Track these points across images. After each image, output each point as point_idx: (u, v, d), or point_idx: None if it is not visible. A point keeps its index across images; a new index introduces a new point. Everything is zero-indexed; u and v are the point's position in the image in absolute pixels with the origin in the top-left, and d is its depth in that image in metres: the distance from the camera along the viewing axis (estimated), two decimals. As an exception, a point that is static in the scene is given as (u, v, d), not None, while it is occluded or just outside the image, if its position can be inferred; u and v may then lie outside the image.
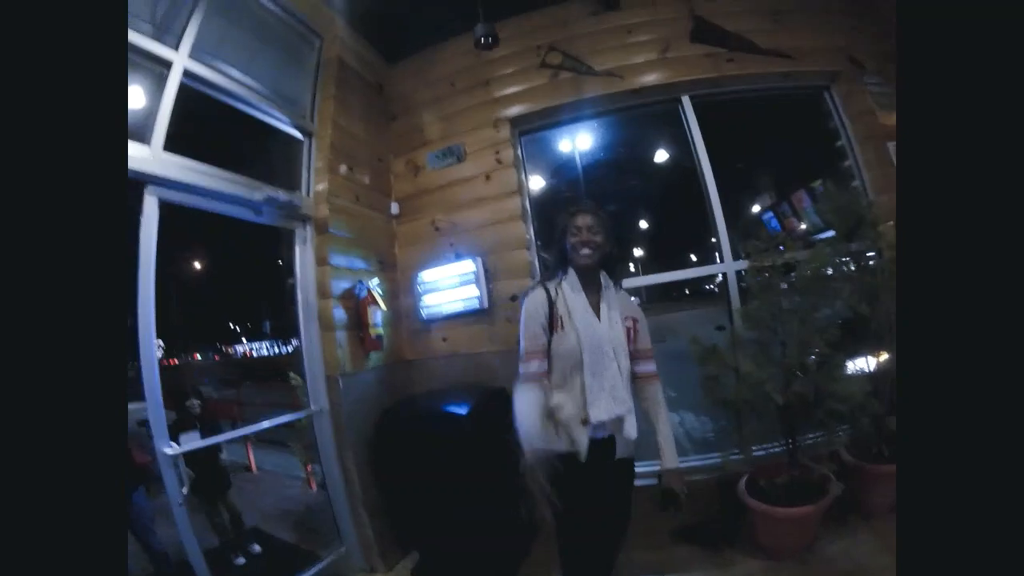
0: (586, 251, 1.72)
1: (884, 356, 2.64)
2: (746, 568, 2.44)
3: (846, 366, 2.60)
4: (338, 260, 3.00)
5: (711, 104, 3.43)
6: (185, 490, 2.15)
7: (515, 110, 3.48)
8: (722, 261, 3.21)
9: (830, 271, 2.67)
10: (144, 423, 2.19)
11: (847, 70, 3.25)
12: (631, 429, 1.66)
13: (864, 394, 2.37)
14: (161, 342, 2.26)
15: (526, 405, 1.58)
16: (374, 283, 3.15)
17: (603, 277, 1.79)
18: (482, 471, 2.52)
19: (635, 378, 1.76)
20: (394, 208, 3.64)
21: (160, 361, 2.22)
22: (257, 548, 3.61)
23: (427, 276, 3.45)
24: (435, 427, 2.71)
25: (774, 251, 2.63)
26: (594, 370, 1.62)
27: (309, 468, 4.64)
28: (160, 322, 2.19)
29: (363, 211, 3.33)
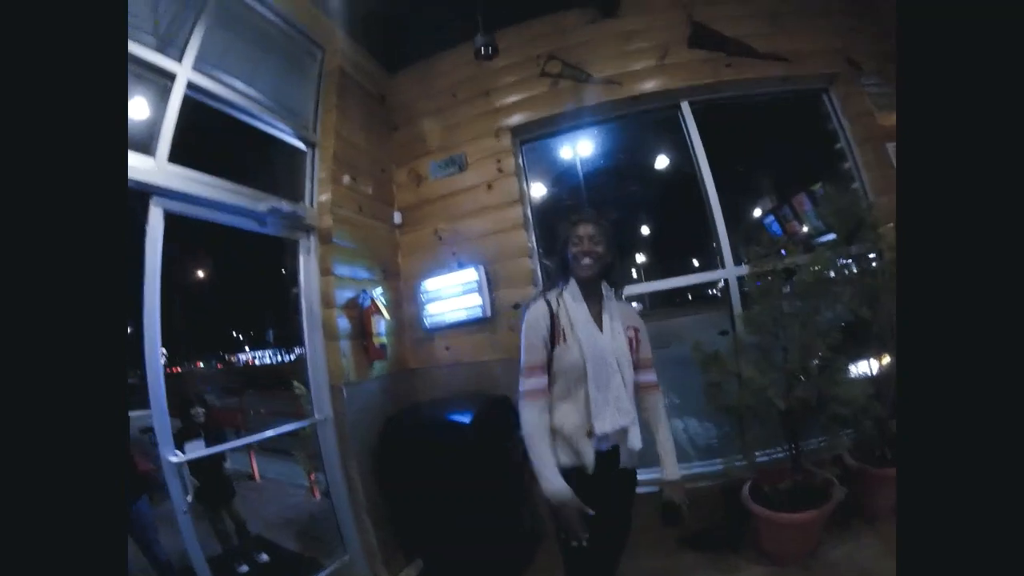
0: (587, 261, 1.70)
1: (886, 359, 2.64)
2: (750, 574, 2.44)
3: (848, 369, 2.59)
4: (342, 270, 3.02)
5: (710, 109, 3.45)
6: (189, 498, 2.16)
7: (516, 119, 3.51)
8: (723, 267, 3.22)
9: (832, 274, 2.67)
10: (147, 430, 2.20)
11: (845, 72, 3.26)
12: (635, 440, 1.65)
13: (866, 397, 2.37)
14: (164, 350, 2.28)
15: (540, 444, 1.56)
16: (377, 293, 3.17)
17: (604, 287, 1.78)
18: (485, 479, 2.53)
19: (636, 388, 1.74)
20: (397, 218, 3.66)
21: (163, 369, 2.23)
22: (265, 557, 3.62)
23: (430, 285, 3.47)
24: (439, 435, 2.72)
25: (774, 256, 2.64)
26: (598, 382, 1.60)
27: (312, 477, 4.65)
28: (163, 330, 2.20)
29: (366, 221, 3.35)
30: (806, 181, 3.83)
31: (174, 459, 2.13)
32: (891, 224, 2.87)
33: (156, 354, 2.16)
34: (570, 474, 1.56)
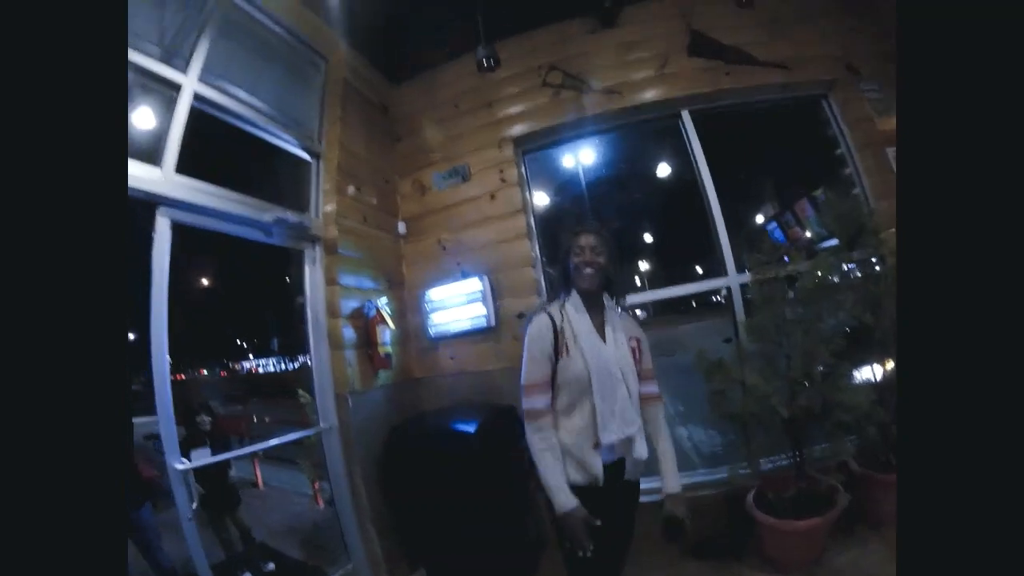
0: (589, 271, 1.69)
1: (890, 364, 2.63)
2: (756, 582, 2.43)
3: (852, 376, 2.59)
4: (347, 280, 3.05)
5: (711, 117, 3.48)
6: (195, 505, 2.16)
7: (518, 129, 3.55)
8: (726, 274, 3.24)
9: (836, 279, 2.68)
10: (151, 437, 2.20)
11: (843, 78, 3.29)
12: (641, 449, 1.65)
13: (870, 403, 2.37)
14: (168, 358, 2.30)
15: (551, 464, 1.56)
16: (382, 302, 3.19)
17: (605, 297, 1.78)
18: (490, 488, 2.54)
19: (639, 399, 1.73)
20: (401, 228, 3.69)
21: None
22: (271, 566, 3.62)
23: (434, 295, 3.49)
24: (443, 445, 2.73)
25: (776, 263, 2.65)
26: (603, 393, 1.59)
27: (317, 485, 4.65)
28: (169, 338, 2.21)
29: (371, 231, 3.38)
30: (808, 187, 3.84)
31: (180, 466, 2.14)
32: (892, 229, 2.88)
33: (163, 361, 2.17)
34: (578, 489, 1.55)
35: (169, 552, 2.83)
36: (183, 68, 2.45)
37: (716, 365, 2.69)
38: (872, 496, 2.54)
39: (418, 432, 2.97)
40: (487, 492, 2.52)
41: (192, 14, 2.56)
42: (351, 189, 3.25)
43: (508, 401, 2.97)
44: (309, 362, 3.03)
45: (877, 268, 2.75)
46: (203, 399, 5.65)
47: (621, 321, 1.78)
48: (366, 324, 3.09)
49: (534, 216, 3.58)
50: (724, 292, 3.29)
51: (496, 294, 3.37)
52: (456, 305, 3.41)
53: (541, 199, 3.89)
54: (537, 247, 3.50)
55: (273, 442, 2.95)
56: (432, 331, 3.48)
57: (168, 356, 2.21)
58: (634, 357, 1.72)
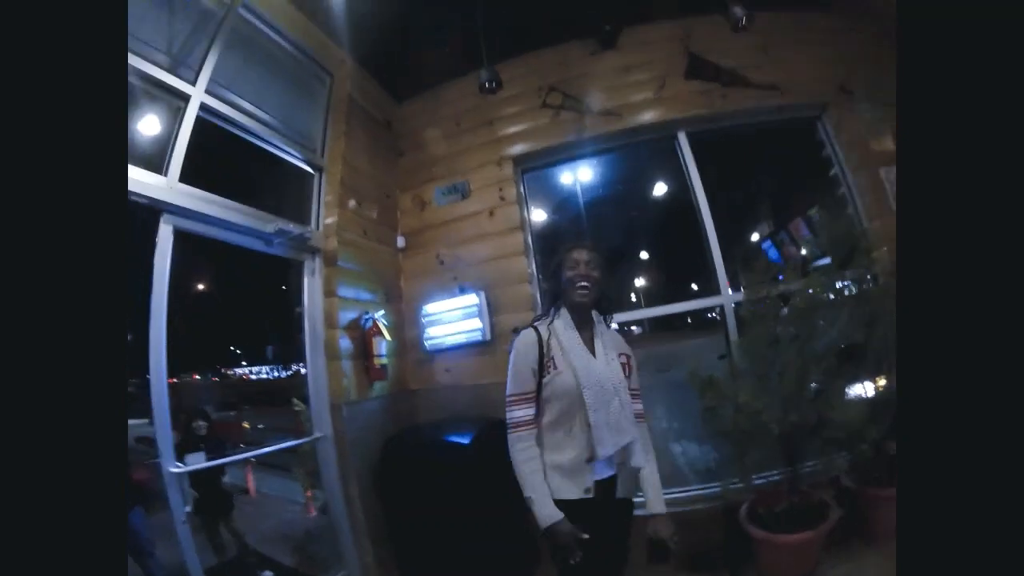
0: (583, 285, 1.68)
1: (882, 382, 2.66)
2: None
3: (844, 393, 2.62)
4: (345, 291, 3.08)
5: (707, 138, 3.54)
6: (188, 508, 2.16)
7: (518, 148, 3.61)
8: (719, 293, 3.28)
9: (832, 296, 2.71)
10: (143, 440, 2.20)
11: (837, 99, 3.35)
12: (638, 458, 1.64)
13: (862, 420, 2.39)
14: (166, 362, 2.31)
15: (531, 474, 1.56)
16: (380, 314, 3.23)
17: (594, 314, 1.77)
18: (483, 500, 2.56)
19: None
20: (400, 242, 3.74)
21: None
22: (269, 574, 3.61)
23: (431, 308, 3.53)
24: (438, 456, 2.76)
25: (769, 282, 2.69)
26: (596, 407, 1.57)
27: (309, 493, 4.64)
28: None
29: (370, 244, 3.43)
30: (803, 207, 3.90)
31: (175, 470, 2.14)
32: (885, 248, 2.94)
33: (161, 365, 2.19)
34: (568, 506, 1.53)
35: (161, 557, 2.83)
36: (191, 79, 2.50)
37: (708, 382, 2.71)
38: (865, 511, 2.56)
39: (413, 443, 2.99)
40: (481, 503, 2.55)
41: (201, 25, 2.62)
42: (352, 203, 3.30)
43: (503, 415, 2.97)
44: (302, 371, 3.05)
45: (869, 286, 2.78)
46: (199, 404, 5.64)
47: (611, 338, 1.77)
48: (363, 335, 3.12)
49: (532, 234, 3.64)
50: (717, 310, 3.33)
51: (492, 309, 3.41)
52: (452, 319, 3.45)
53: (539, 217, 3.95)
54: (534, 264, 3.55)
55: (268, 449, 2.97)
56: (428, 344, 3.51)
57: (166, 360, 2.22)
58: (624, 373, 1.71)
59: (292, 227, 2.85)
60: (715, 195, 3.43)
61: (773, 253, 4.27)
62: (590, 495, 1.58)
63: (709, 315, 3.72)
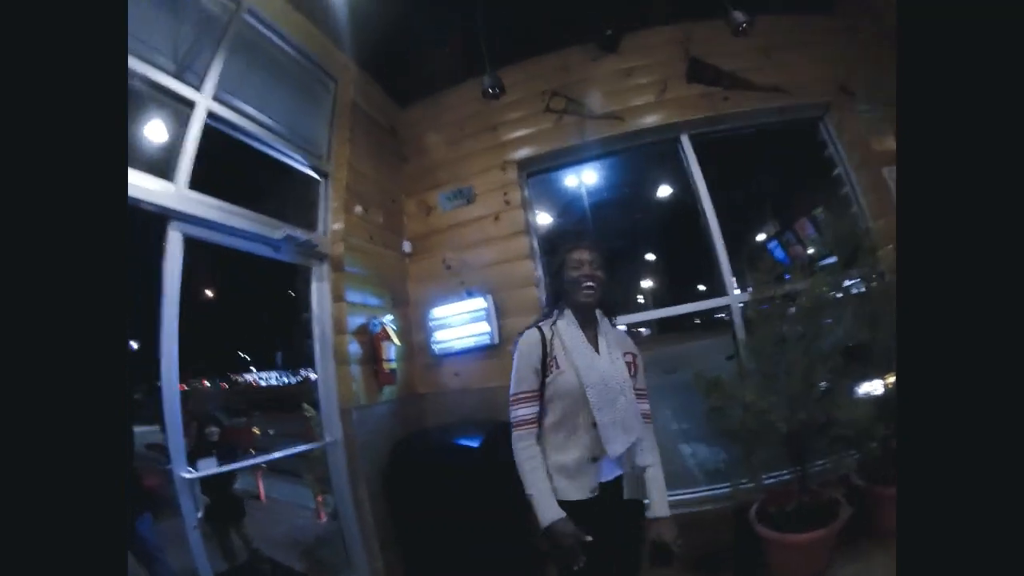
0: (589, 285, 1.66)
1: (890, 379, 2.64)
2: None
3: (852, 392, 2.61)
4: (353, 297, 3.10)
5: (710, 140, 3.55)
6: (200, 514, 2.16)
7: (522, 153, 3.64)
8: (726, 293, 3.28)
9: (839, 295, 2.71)
10: (154, 447, 2.19)
11: (838, 100, 3.36)
12: (644, 457, 1.63)
13: (869, 418, 2.38)
14: (177, 368, 2.33)
15: (533, 472, 1.55)
16: (388, 319, 3.25)
17: (598, 314, 1.75)
18: (492, 503, 2.57)
19: None
20: (407, 247, 3.76)
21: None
22: None
23: (438, 312, 3.55)
24: (446, 459, 2.77)
25: (775, 282, 2.69)
26: (601, 405, 1.56)
27: (320, 498, 4.67)
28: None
29: (377, 250, 3.45)
30: (808, 206, 3.90)
31: (186, 475, 2.15)
32: (890, 246, 2.94)
33: (172, 372, 2.20)
34: (572, 507, 1.51)
35: (171, 563, 2.85)
36: (197, 85, 2.52)
37: (714, 383, 2.72)
38: (875, 509, 2.54)
39: (422, 447, 3.01)
40: (490, 507, 2.55)
41: (206, 31, 2.65)
42: (358, 208, 3.33)
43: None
44: (311, 376, 3.07)
45: (874, 285, 2.78)
46: (209, 411, 5.69)
47: (616, 337, 1.76)
48: (371, 340, 3.14)
49: (537, 237, 3.66)
50: (725, 311, 3.32)
51: (500, 313, 3.42)
52: (459, 323, 3.47)
53: (544, 220, 3.98)
54: (540, 267, 3.56)
55: (279, 454, 2.99)
56: (436, 348, 3.53)
57: (177, 367, 2.24)
58: (630, 372, 1.69)
59: (300, 233, 2.88)
60: (719, 196, 3.43)
61: (779, 253, 4.27)
62: (595, 494, 1.56)
63: (716, 316, 3.71)
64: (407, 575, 2.95)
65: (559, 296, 1.76)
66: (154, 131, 2.42)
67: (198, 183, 2.41)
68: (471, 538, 2.58)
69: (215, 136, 2.61)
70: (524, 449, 1.58)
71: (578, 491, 1.56)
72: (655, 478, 1.66)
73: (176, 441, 2.19)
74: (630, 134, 3.52)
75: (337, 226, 3.18)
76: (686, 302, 3.51)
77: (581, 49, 3.66)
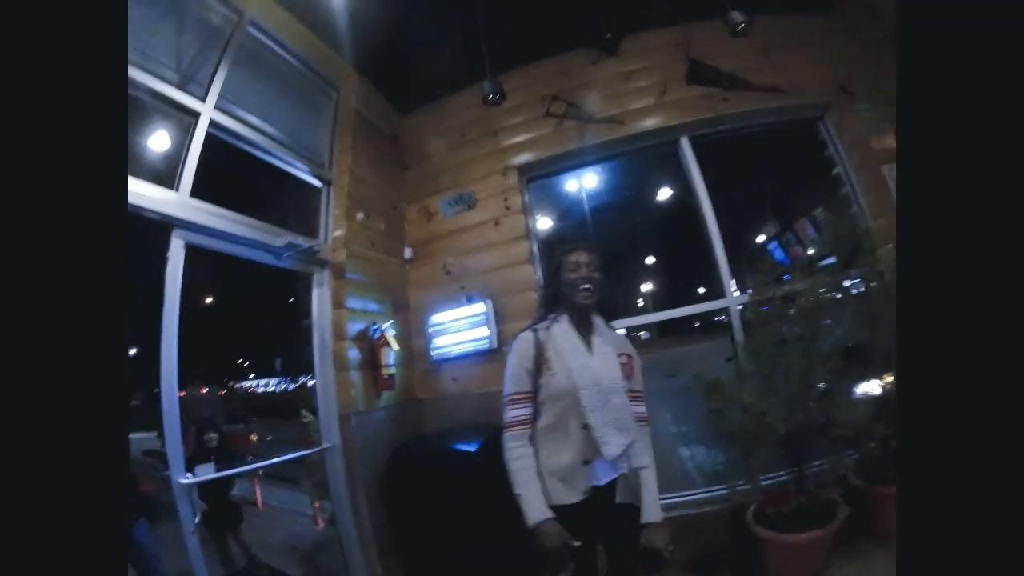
0: (587, 287, 1.65)
1: (889, 379, 2.65)
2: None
3: (850, 392, 2.61)
4: (353, 303, 3.11)
5: (710, 142, 3.57)
6: (197, 519, 2.16)
7: (522, 158, 3.66)
8: (724, 296, 3.28)
9: (838, 296, 2.71)
10: (150, 453, 2.17)
11: (837, 100, 3.38)
12: (638, 459, 1.61)
13: (868, 418, 2.38)
14: (176, 375, 2.33)
15: (523, 472, 1.54)
16: (388, 325, 3.25)
17: (594, 316, 1.74)
18: (491, 507, 2.57)
19: None
20: (407, 253, 3.78)
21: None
22: None
23: (438, 318, 3.56)
24: (445, 463, 2.77)
25: (774, 283, 2.70)
26: (593, 407, 1.55)
27: (317, 504, 4.66)
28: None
29: (378, 256, 3.46)
30: (808, 207, 3.91)
31: (184, 480, 2.15)
32: (889, 245, 2.95)
33: (172, 378, 2.21)
34: (565, 511, 1.50)
35: (169, 569, 2.83)
36: (201, 95, 2.55)
37: (713, 385, 2.72)
38: (873, 509, 2.54)
39: (420, 451, 3.01)
40: (489, 511, 2.55)
41: (210, 42, 2.68)
42: (360, 215, 3.34)
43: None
44: (309, 383, 3.07)
45: (874, 285, 2.78)
46: (209, 416, 5.68)
47: (611, 337, 1.74)
48: (371, 346, 3.14)
49: (537, 242, 3.67)
50: (724, 313, 3.33)
51: (499, 318, 3.43)
52: (459, 329, 3.47)
53: (545, 225, 3.99)
54: (540, 272, 3.57)
55: (277, 459, 2.99)
56: (435, 354, 3.53)
57: (176, 372, 2.25)
58: (623, 373, 1.67)
59: (301, 240, 2.89)
60: (719, 198, 3.45)
61: (779, 254, 4.28)
62: (588, 495, 1.55)
63: (716, 319, 3.71)
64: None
65: (556, 298, 1.75)
66: (158, 140, 2.44)
67: (201, 191, 2.43)
68: (470, 543, 2.58)
69: (218, 145, 2.64)
70: (514, 449, 1.58)
71: (571, 494, 1.55)
72: (648, 482, 1.63)
73: (174, 446, 2.19)
74: (630, 137, 3.54)
75: (338, 233, 3.20)
76: (685, 305, 3.52)
77: (580, 53, 3.68)
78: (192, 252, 2.41)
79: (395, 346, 3.24)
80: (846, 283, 2.80)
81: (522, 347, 1.67)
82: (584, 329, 1.71)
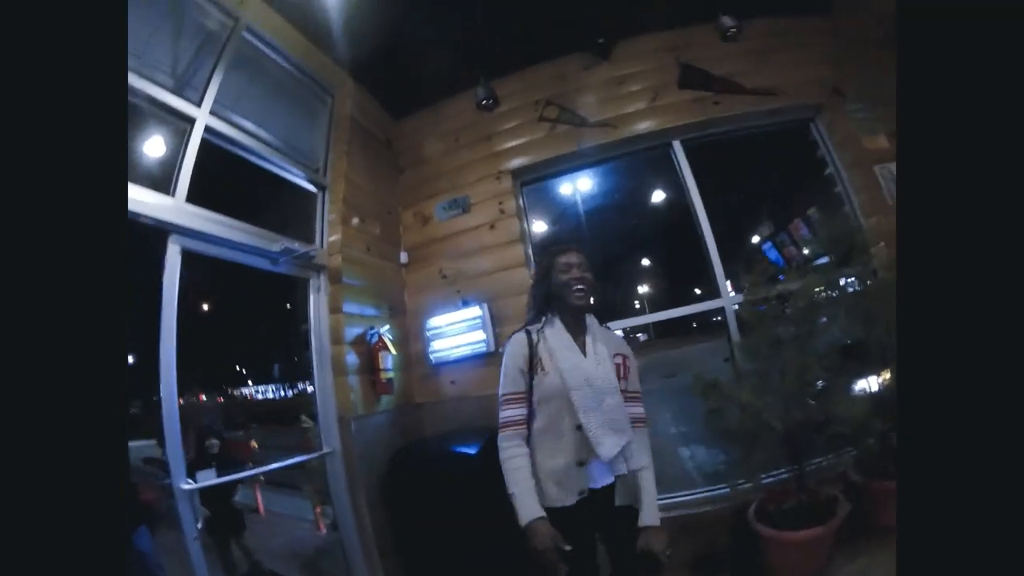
0: (580, 287, 1.65)
1: (885, 375, 2.68)
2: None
3: (847, 389, 2.63)
4: (351, 308, 3.12)
5: (703, 145, 3.59)
6: (199, 524, 2.15)
7: (516, 162, 3.68)
8: (719, 296, 3.30)
9: (834, 294, 2.74)
10: (150, 461, 2.17)
11: (829, 101, 3.41)
12: (634, 461, 1.60)
13: (866, 414, 2.39)
14: (176, 381, 2.34)
15: (517, 472, 1.53)
16: (385, 329, 3.27)
17: (588, 317, 1.73)
18: (491, 509, 2.57)
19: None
20: (403, 257, 3.79)
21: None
22: None
23: (435, 322, 3.57)
24: (445, 466, 2.78)
25: (768, 283, 2.72)
26: (586, 408, 1.54)
27: (318, 510, 4.66)
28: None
29: (374, 261, 3.47)
30: (801, 207, 3.94)
31: (186, 486, 2.15)
32: (882, 243, 2.98)
33: (172, 384, 2.22)
34: (559, 513, 1.50)
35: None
36: (196, 101, 2.56)
37: (711, 384, 2.73)
38: (874, 505, 2.55)
39: (420, 455, 3.01)
40: (489, 512, 2.56)
41: (205, 48, 2.69)
42: (355, 220, 3.35)
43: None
44: (308, 389, 3.07)
45: (868, 282, 2.80)
46: (209, 423, 5.67)
47: (606, 338, 1.74)
48: (369, 350, 3.15)
49: (532, 245, 3.69)
50: (720, 313, 3.35)
51: (496, 321, 3.44)
52: (456, 332, 3.48)
53: (540, 228, 4.01)
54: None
55: (279, 464, 3.00)
56: (433, 357, 3.54)
57: (176, 378, 2.25)
58: (618, 374, 1.67)
59: (297, 246, 2.90)
60: (713, 200, 3.47)
61: (773, 254, 4.30)
62: (584, 496, 1.55)
63: (714, 320, 3.72)
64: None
65: (548, 300, 1.74)
66: (154, 146, 2.45)
67: (197, 197, 2.44)
68: (471, 545, 2.58)
69: (214, 151, 2.65)
70: (508, 449, 1.58)
71: (565, 497, 1.54)
72: (647, 484, 1.62)
73: (175, 452, 2.19)
74: (623, 141, 3.57)
75: (334, 238, 3.21)
76: (681, 306, 3.53)
77: (573, 58, 3.70)
78: (188, 258, 2.42)
79: (393, 350, 3.25)
80: (845, 281, 2.82)
81: (515, 347, 1.68)
82: (577, 330, 1.71)
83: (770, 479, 2.83)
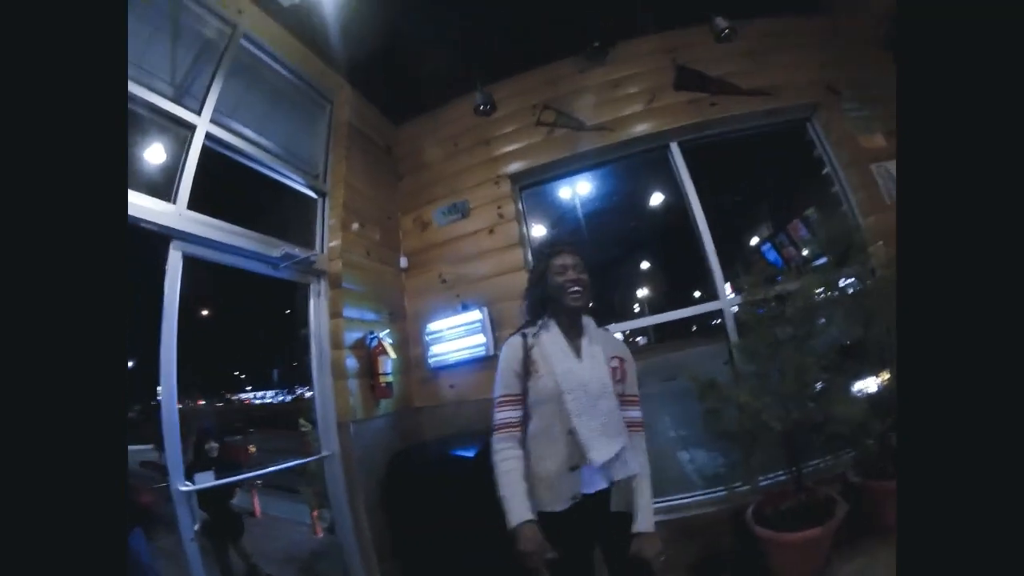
0: (576, 290, 1.63)
1: (884, 375, 2.67)
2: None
3: (846, 389, 2.62)
4: (350, 312, 3.13)
5: (699, 146, 3.60)
6: (197, 527, 2.15)
7: (515, 167, 3.70)
8: (718, 298, 3.30)
9: (835, 294, 2.73)
10: (147, 464, 2.15)
11: (825, 100, 3.42)
12: (630, 466, 1.57)
13: (865, 414, 2.38)
14: (176, 385, 2.35)
15: (509, 475, 1.52)
16: (384, 333, 3.28)
17: (584, 319, 1.72)
18: (489, 512, 2.58)
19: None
20: (403, 262, 3.80)
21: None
22: None
23: (434, 326, 3.57)
24: (444, 470, 2.79)
25: (766, 284, 2.72)
26: (580, 411, 1.52)
27: (316, 513, 4.65)
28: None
29: (374, 266, 3.49)
30: (800, 208, 3.94)
31: (184, 488, 2.15)
32: (880, 243, 2.99)
33: (172, 388, 2.23)
34: (551, 519, 1.48)
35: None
36: (196, 109, 2.58)
37: (709, 385, 2.73)
38: (873, 505, 2.55)
39: (419, 458, 3.02)
40: (486, 516, 2.56)
41: (205, 56, 2.72)
42: (355, 225, 3.37)
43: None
44: (307, 394, 3.07)
45: (867, 282, 2.80)
46: (207, 427, 5.66)
47: (603, 340, 1.72)
48: (368, 354, 3.16)
49: (531, 249, 3.69)
50: (719, 315, 3.35)
51: (495, 325, 3.45)
52: (455, 336, 3.49)
53: (538, 232, 4.02)
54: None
55: (279, 467, 3.00)
56: (432, 361, 3.54)
57: (176, 381, 2.26)
58: (615, 376, 1.64)
59: (298, 251, 2.92)
60: (710, 202, 3.48)
61: (772, 255, 4.30)
62: (577, 501, 1.53)
63: (713, 322, 3.73)
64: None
65: (543, 302, 1.73)
66: (155, 154, 2.48)
67: (198, 203, 2.46)
68: (469, 548, 2.58)
69: (214, 157, 2.67)
70: (501, 451, 1.57)
71: (556, 502, 1.53)
72: (641, 489, 1.59)
73: (174, 454, 2.19)
74: (620, 144, 3.58)
75: (334, 243, 3.23)
76: (679, 308, 3.52)
77: (569, 62, 3.73)
78: (190, 263, 2.43)
79: (392, 354, 3.26)
80: (844, 281, 2.82)
81: (510, 350, 1.67)
82: (573, 332, 1.69)
83: (768, 480, 2.83)
